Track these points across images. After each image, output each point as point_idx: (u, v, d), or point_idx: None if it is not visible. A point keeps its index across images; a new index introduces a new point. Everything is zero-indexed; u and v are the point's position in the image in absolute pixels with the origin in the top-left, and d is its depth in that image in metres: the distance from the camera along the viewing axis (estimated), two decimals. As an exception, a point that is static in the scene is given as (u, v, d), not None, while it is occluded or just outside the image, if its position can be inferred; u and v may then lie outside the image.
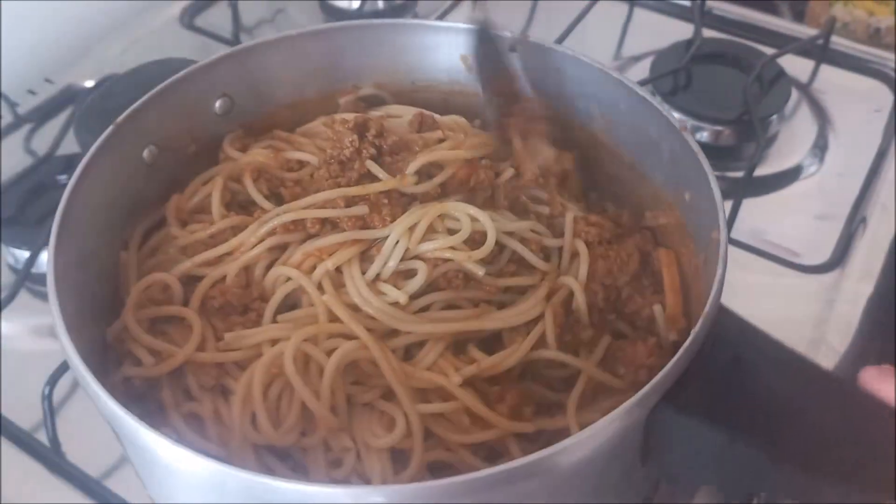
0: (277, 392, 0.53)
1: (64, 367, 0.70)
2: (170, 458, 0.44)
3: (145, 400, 0.56)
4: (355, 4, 1.11)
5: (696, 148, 0.58)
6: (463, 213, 0.58)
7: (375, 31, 0.71)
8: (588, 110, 0.69)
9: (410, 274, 0.57)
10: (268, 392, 0.53)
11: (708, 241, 0.56)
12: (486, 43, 0.67)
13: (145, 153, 0.62)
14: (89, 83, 1.02)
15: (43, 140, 0.96)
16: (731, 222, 0.80)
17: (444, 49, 0.72)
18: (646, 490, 0.59)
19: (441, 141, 0.65)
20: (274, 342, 0.55)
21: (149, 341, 0.56)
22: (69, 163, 0.89)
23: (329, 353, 0.53)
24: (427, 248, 0.56)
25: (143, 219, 0.63)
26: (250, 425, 0.52)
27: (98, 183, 0.57)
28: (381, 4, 1.13)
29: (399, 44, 0.72)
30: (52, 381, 0.69)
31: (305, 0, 1.17)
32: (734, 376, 0.46)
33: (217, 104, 0.67)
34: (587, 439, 0.43)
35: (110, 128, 0.58)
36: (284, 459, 0.53)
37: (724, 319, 0.49)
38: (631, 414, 0.44)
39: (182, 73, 0.64)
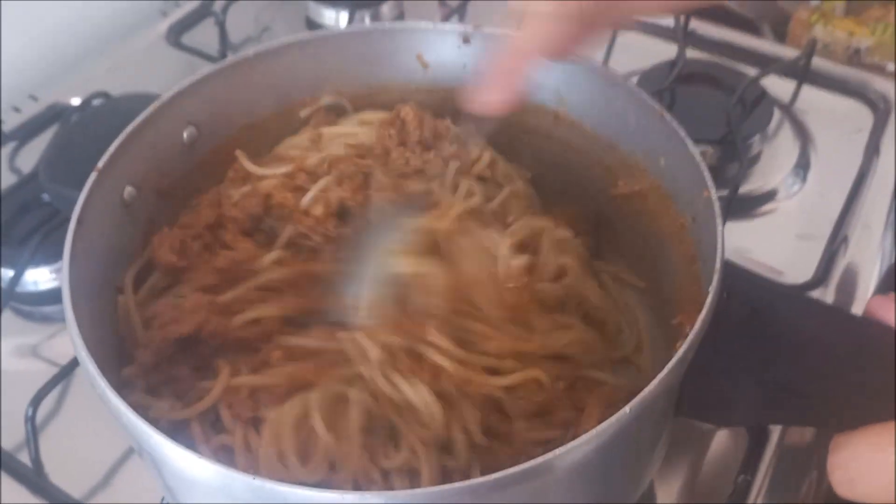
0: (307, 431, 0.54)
1: (48, 388, 0.69)
2: (181, 463, 0.44)
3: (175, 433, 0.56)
4: (342, 23, 1.12)
5: (668, 116, 0.60)
6: None
7: (330, 41, 0.72)
8: (547, 92, 0.71)
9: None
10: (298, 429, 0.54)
11: (692, 201, 0.58)
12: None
13: (125, 194, 0.61)
14: (75, 101, 1.01)
15: (27, 158, 0.96)
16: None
17: (400, 51, 0.73)
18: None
19: None
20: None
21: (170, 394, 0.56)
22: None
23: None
24: None
25: (131, 262, 0.63)
26: (278, 462, 0.53)
27: (90, 230, 0.56)
28: (367, 22, 1.14)
29: (355, 51, 0.72)
30: (36, 401, 0.68)
31: (291, 17, 1.17)
32: (751, 325, 0.49)
33: (185, 135, 0.67)
34: (635, 406, 0.44)
35: (93, 174, 0.58)
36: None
37: (731, 273, 0.51)
38: (673, 372, 0.46)
39: (151, 108, 0.63)
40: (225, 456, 0.53)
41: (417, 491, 0.40)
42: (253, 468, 0.52)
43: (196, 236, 0.64)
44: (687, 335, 0.48)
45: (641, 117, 0.63)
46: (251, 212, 0.64)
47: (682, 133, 0.58)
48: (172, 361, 0.56)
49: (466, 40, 0.71)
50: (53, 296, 0.83)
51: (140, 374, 0.56)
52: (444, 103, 0.74)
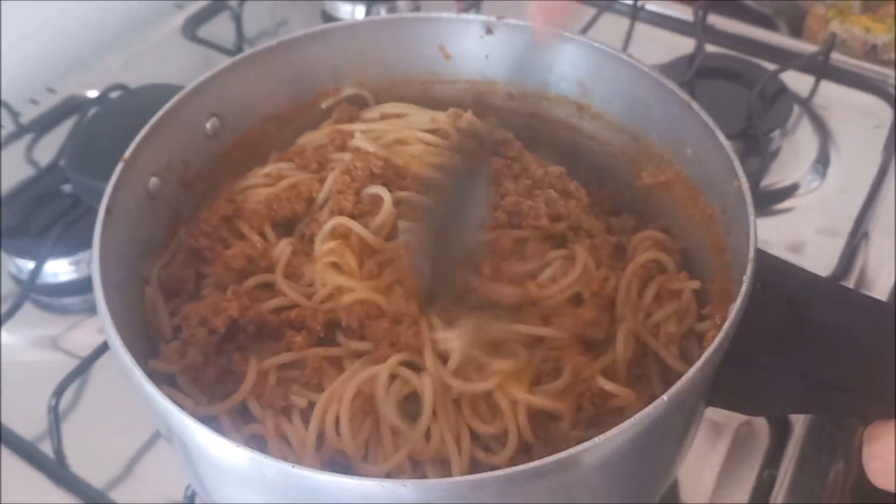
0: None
1: (70, 378, 0.69)
2: (218, 451, 0.44)
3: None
4: (359, 14, 1.12)
5: (696, 106, 0.60)
6: None
7: (352, 32, 0.71)
8: (570, 83, 0.70)
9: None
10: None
11: (721, 191, 0.58)
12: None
13: (150, 185, 0.61)
14: (92, 93, 1.01)
15: (45, 150, 0.96)
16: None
17: (422, 41, 0.72)
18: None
19: None
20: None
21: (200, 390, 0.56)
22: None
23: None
24: None
25: (155, 254, 0.63)
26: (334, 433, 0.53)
27: (117, 221, 0.56)
28: (383, 13, 1.13)
29: (377, 42, 0.72)
30: (58, 392, 0.68)
31: (307, 11, 1.17)
32: (788, 315, 0.48)
33: (208, 125, 0.67)
34: (672, 395, 0.44)
35: (120, 165, 0.57)
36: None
37: (765, 262, 0.50)
38: (709, 362, 0.46)
39: (176, 98, 0.63)
40: (256, 445, 0.52)
41: (457, 479, 0.40)
42: (287, 455, 0.52)
43: (211, 231, 0.64)
44: (719, 325, 0.47)
45: (667, 107, 0.63)
46: (293, 210, 0.64)
47: (712, 123, 0.58)
48: (220, 352, 0.56)
49: (489, 31, 0.70)
50: (73, 287, 0.83)
51: (189, 371, 0.55)
52: (465, 94, 0.75)
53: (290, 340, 0.57)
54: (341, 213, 0.62)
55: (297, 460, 0.51)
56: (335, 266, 0.60)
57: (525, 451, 0.53)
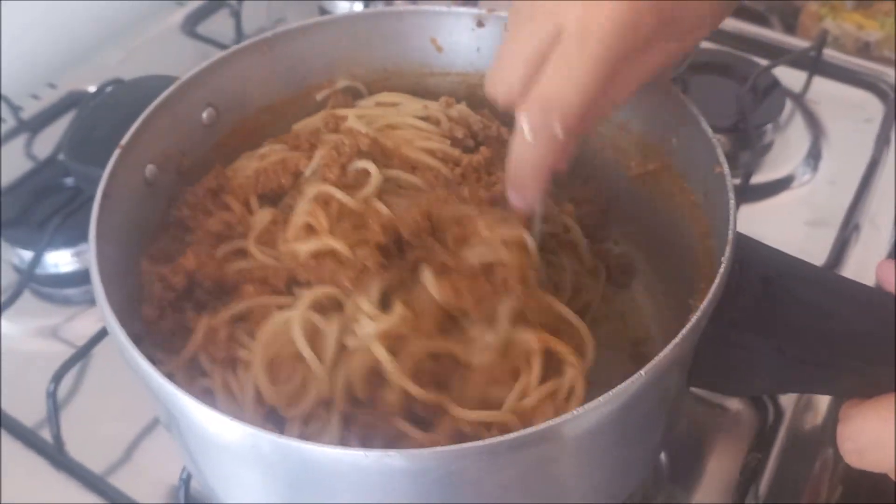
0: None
1: (69, 364, 0.71)
2: (206, 423, 0.45)
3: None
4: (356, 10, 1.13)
5: (681, 95, 0.61)
6: None
7: (345, 25, 0.73)
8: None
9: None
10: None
11: (704, 178, 0.59)
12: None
13: (147, 172, 0.62)
14: (92, 88, 1.03)
15: (45, 144, 0.97)
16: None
17: (415, 34, 0.73)
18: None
19: None
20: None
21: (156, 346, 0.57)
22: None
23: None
24: None
25: (151, 242, 0.63)
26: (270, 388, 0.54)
27: (115, 207, 0.57)
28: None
29: (370, 34, 0.73)
30: (57, 378, 0.70)
31: (305, 9, 1.18)
32: (765, 294, 0.49)
33: (204, 115, 0.68)
34: (650, 370, 0.45)
35: (117, 151, 0.58)
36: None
37: (744, 244, 0.51)
38: (686, 339, 0.46)
39: (173, 87, 0.64)
40: (207, 400, 0.52)
41: (441, 449, 0.41)
42: (233, 409, 0.53)
43: (196, 202, 0.65)
44: (698, 306, 0.48)
45: (653, 97, 0.64)
46: (279, 183, 0.65)
47: (695, 110, 0.59)
48: (176, 309, 0.57)
49: (480, 24, 0.72)
50: (74, 278, 0.84)
51: (146, 329, 0.56)
52: (458, 86, 0.76)
53: (243, 291, 0.57)
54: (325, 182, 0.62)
55: (240, 414, 0.52)
56: (309, 228, 0.60)
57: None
